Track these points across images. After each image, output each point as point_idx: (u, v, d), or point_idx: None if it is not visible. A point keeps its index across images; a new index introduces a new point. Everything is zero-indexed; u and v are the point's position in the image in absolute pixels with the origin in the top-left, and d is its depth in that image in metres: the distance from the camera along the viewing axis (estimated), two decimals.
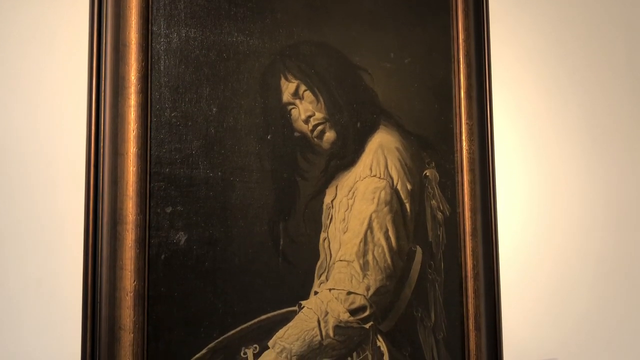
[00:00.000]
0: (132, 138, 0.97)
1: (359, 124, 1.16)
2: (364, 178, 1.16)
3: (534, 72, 1.41)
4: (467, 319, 1.21)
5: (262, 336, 1.04)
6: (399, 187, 1.18)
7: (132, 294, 0.95)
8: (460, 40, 1.28)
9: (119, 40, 0.98)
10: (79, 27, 0.99)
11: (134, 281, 0.95)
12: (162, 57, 1.02)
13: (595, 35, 1.50)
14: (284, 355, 1.05)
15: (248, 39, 1.08)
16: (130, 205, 0.96)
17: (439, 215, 1.22)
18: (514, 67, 1.39)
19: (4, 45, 0.97)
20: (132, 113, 0.98)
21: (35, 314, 0.95)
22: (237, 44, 1.07)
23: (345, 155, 1.15)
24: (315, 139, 1.12)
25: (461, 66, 1.27)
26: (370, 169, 1.16)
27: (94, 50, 0.97)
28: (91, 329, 0.94)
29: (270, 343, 1.04)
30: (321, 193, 1.12)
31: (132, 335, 0.94)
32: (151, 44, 1.01)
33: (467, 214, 1.24)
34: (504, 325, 1.27)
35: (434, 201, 1.22)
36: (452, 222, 1.23)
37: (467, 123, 1.26)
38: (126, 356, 0.94)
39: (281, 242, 1.07)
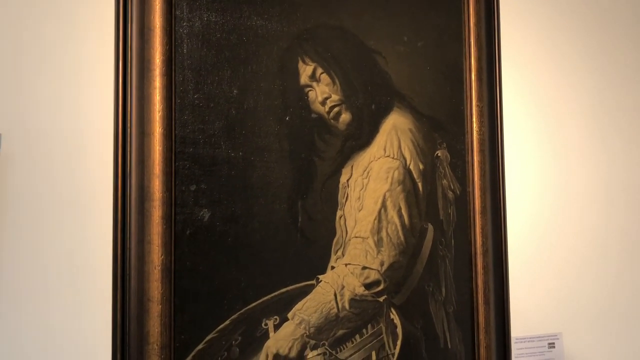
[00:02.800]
0: (157, 119, 1.01)
1: (373, 106, 1.20)
2: (378, 158, 1.19)
3: (543, 54, 1.44)
4: (477, 294, 1.26)
5: (282, 308, 1.09)
6: (411, 167, 1.22)
7: (159, 267, 1.00)
8: (471, 24, 1.31)
9: (144, 25, 1.02)
10: (105, 13, 1.03)
11: (162, 255, 1.00)
12: (185, 40, 1.05)
13: (607, 16, 1.52)
14: (302, 326, 1.10)
15: (267, 22, 1.11)
16: (157, 183, 1.00)
17: (450, 194, 1.27)
18: (523, 50, 1.41)
19: (34, 33, 1.00)
20: (158, 95, 1.01)
21: (67, 288, 1.00)
22: (256, 28, 1.10)
23: (361, 136, 1.18)
24: (332, 121, 1.16)
25: (472, 49, 1.30)
26: (384, 150, 1.20)
27: (120, 35, 1.01)
28: (121, 300, 0.98)
29: (289, 315, 1.09)
30: (337, 172, 1.16)
31: (160, 306, 0.99)
32: (174, 28, 1.04)
33: (477, 193, 1.28)
34: (512, 300, 1.31)
35: (445, 181, 1.26)
36: (463, 201, 1.28)
37: (477, 105, 1.29)
38: (155, 326, 0.99)
39: (299, 219, 1.11)
